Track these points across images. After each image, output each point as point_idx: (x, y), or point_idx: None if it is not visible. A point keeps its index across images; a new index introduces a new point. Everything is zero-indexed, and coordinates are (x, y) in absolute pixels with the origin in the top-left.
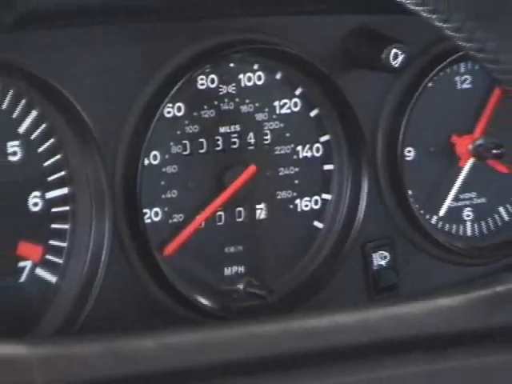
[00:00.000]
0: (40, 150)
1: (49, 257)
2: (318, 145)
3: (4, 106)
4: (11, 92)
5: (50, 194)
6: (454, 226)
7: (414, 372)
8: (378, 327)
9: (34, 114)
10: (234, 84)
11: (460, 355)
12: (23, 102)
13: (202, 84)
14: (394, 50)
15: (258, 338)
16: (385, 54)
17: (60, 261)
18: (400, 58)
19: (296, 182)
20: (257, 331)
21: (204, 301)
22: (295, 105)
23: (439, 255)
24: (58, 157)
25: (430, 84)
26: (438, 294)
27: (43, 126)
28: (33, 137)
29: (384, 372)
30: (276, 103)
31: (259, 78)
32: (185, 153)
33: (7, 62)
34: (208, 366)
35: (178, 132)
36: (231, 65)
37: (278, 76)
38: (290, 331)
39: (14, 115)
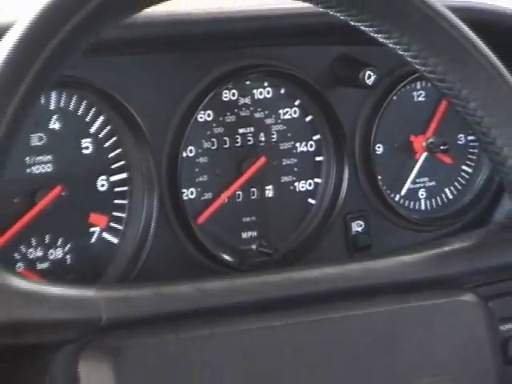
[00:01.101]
0: (105, 145)
1: (112, 224)
2: (311, 142)
3: (79, 112)
4: (85, 102)
5: (112, 178)
6: (412, 203)
7: (381, 310)
8: (355, 277)
9: (101, 118)
10: (249, 97)
11: (415, 298)
12: (93, 109)
13: (226, 96)
14: (368, 72)
15: (267, 284)
16: (361, 75)
17: (120, 227)
18: (372, 78)
19: (295, 169)
20: (266, 279)
21: (227, 257)
22: (295, 112)
23: (401, 224)
24: (119, 150)
25: (394, 97)
26: (400, 252)
27: (108, 127)
28: (100, 135)
29: (359, 311)
30: (280, 111)
31: (268, 92)
32: (213, 148)
33: (83, 80)
34: (230, 305)
35: (208, 132)
36: (247, 82)
37: (282, 91)
38: (290, 279)
39: (87, 119)
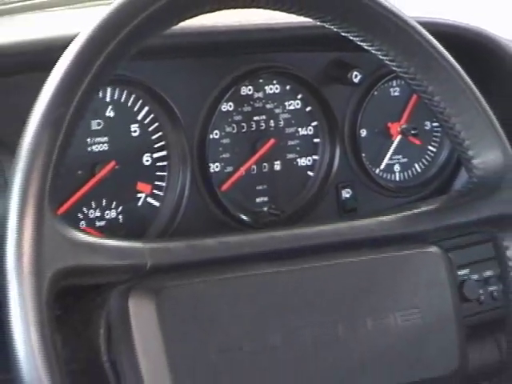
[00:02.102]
0: (149, 129)
1: (155, 191)
2: (310, 127)
3: (129, 104)
4: (133, 96)
5: (155, 155)
6: (389, 175)
7: (363, 259)
8: (343, 232)
9: (146, 108)
10: (262, 92)
11: (390, 250)
12: (140, 101)
13: (243, 92)
14: (355, 73)
15: (275, 238)
16: (350, 75)
17: (161, 193)
18: (358, 77)
19: (297, 148)
20: (274, 235)
21: (244, 217)
22: (297, 104)
23: (380, 192)
24: (160, 133)
25: (375, 92)
26: (379, 213)
27: (151, 115)
28: (145, 122)
29: (346, 259)
30: (286, 103)
31: (276, 88)
32: (233, 131)
33: (132, 79)
34: (246, 255)
35: (229, 119)
36: (260, 81)
37: (288, 87)
38: (293, 235)
39: (135, 109)
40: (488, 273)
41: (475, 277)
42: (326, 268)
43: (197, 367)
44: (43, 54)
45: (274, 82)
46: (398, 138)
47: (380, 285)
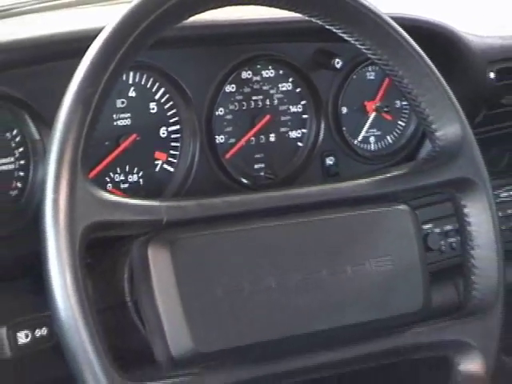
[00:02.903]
0: (165, 107)
1: (170, 159)
2: (299, 105)
3: (148, 86)
4: (151, 79)
5: (170, 128)
6: (366, 145)
7: (344, 215)
8: (327, 193)
9: (162, 89)
10: (259, 76)
11: (366, 207)
12: (157, 84)
13: (244, 76)
14: (337, 59)
15: (271, 197)
16: (332, 62)
17: (175, 161)
18: (340, 64)
19: (289, 123)
20: (270, 195)
21: (244, 180)
22: (289, 86)
23: (358, 159)
24: (174, 111)
25: (354, 76)
26: (356, 177)
27: (167, 95)
28: (162, 101)
29: (329, 215)
30: (279, 85)
31: (272, 72)
32: (235, 109)
33: (151, 64)
34: (246, 211)
35: (232, 99)
36: (258, 66)
37: (281, 72)
38: (285, 195)
39: (153, 90)
40: (448, 227)
41: (437, 230)
42: (313, 222)
43: (205, 305)
44: (75, 44)
45: (270, 67)
46: (373, 114)
47: (358, 237)
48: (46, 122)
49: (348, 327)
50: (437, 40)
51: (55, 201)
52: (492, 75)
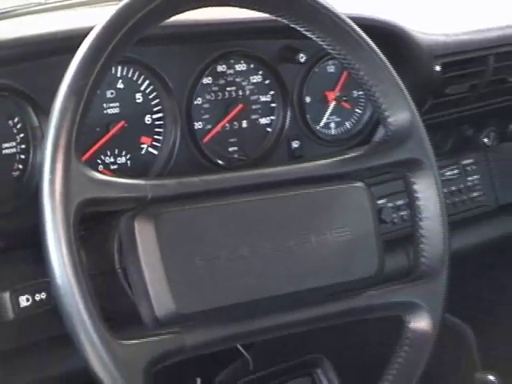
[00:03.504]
0: (149, 97)
1: (154, 143)
2: (268, 95)
3: (134, 78)
4: (137, 72)
5: (154, 116)
6: (327, 130)
7: (306, 192)
8: (292, 172)
9: (147, 82)
10: (232, 69)
11: (327, 185)
12: (142, 76)
13: (219, 69)
14: (301, 54)
15: (243, 176)
16: (297, 56)
17: (159, 144)
18: (304, 58)
19: (259, 111)
20: (242, 174)
21: (220, 161)
22: (259, 78)
23: (320, 143)
24: (157, 100)
25: (316, 69)
26: (318, 158)
27: (151, 87)
28: (147, 91)
29: (293, 192)
30: (251, 77)
31: (244, 66)
32: (212, 99)
33: (136, 59)
34: (221, 188)
35: (209, 89)
36: (231, 61)
37: (252, 66)
38: (257, 174)
39: (139, 82)
40: (400, 202)
41: (390, 205)
42: (280, 198)
43: (186, 271)
44: (69, 41)
45: (242, 61)
46: (333, 103)
47: (320, 211)
48: (44, 111)
49: (312, 290)
50: (389, 37)
51: (52, 180)
52: (438, 68)
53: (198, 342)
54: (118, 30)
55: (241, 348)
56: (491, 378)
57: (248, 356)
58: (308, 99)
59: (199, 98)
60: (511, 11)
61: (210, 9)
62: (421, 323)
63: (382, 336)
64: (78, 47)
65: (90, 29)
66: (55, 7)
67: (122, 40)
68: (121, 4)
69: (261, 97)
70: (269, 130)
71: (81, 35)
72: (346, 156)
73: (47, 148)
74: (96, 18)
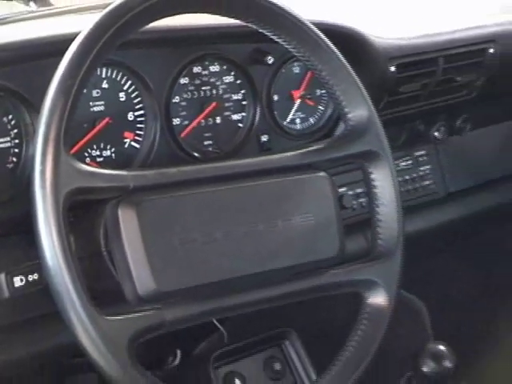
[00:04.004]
0: (132, 96)
1: (136, 137)
2: (240, 94)
3: (118, 79)
4: (120, 73)
5: (136, 113)
6: (293, 125)
7: (275, 181)
8: (261, 163)
9: (129, 82)
10: (207, 70)
11: (293, 175)
12: (125, 77)
13: (195, 70)
14: (269, 57)
15: (217, 167)
16: (266, 58)
17: (140, 139)
18: (271, 60)
19: (231, 108)
20: (216, 165)
21: (196, 154)
22: (231, 78)
23: (286, 137)
24: (139, 99)
25: (283, 70)
26: (284, 150)
27: (133, 86)
28: (129, 91)
29: (262, 181)
30: (224, 77)
31: (217, 68)
32: (188, 97)
33: (119, 61)
34: (197, 178)
35: (185, 89)
36: (206, 63)
37: (225, 67)
38: (229, 165)
39: (122, 82)
40: (359, 190)
41: (350, 192)
42: (250, 187)
43: (165, 253)
44: (58, 45)
45: (216, 63)
46: (299, 100)
47: (286, 198)
48: (35, 109)
49: (279, 270)
50: (349, 41)
51: (42, 171)
52: (392, 69)
53: (176, 317)
54: (101, 36)
55: (216, 323)
56: (441, 347)
57: (223, 330)
58: (276, 97)
59: (177, 97)
60: (459, 17)
61: (186, 15)
62: (378, 299)
63: (345, 311)
64: (66, 51)
65: (77, 34)
66: (45, 15)
67: (106, 44)
68: (104, 12)
69: (233, 95)
70: (240, 125)
71: (68, 40)
72: (310, 148)
73: (38, 142)
74: (82, 25)
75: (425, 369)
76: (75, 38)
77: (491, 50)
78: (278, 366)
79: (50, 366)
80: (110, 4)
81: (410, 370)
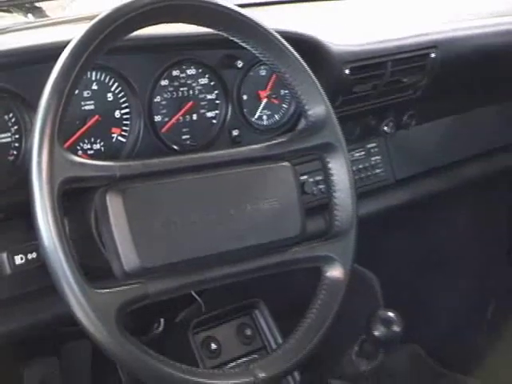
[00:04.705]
0: (118, 96)
1: (123, 133)
2: (213, 94)
3: (106, 81)
4: (108, 76)
5: (122, 111)
6: (260, 121)
7: (244, 170)
8: (234, 154)
9: (116, 84)
10: (184, 73)
11: (260, 164)
12: (112, 79)
13: (174, 73)
14: (239, 61)
15: (194, 158)
16: (236, 62)
17: (126, 134)
18: (241, 64)
19: (206, 106)
20: (193, 156)
21: (175, 147)
22: (206, 80)
23: (255, 131)
24: (125, 98)
25: (251, 73)
26: (252, 143)
27: (119, 88)
28: (116, 91)
29: (233, 170)
30: (199, 79)
31: (193, 71)
32: (168, 97)
33: (107, 65)
34: (177, 168)
35: (166, 90)
36: (184, 66)
37: (200, 70)
38: (205, 156)
39: (109, 84)
40: (318, 177)
41: (311, 180)
42: (223, 175)
43: (148, 234)
44: (52, 51)
45: (192, 67)
46: (265, 99)
47: (254, 185)
48: (33, 108)
49: (249, 248)
50: (308, 47)
51: (39, 163)
52: (347, 71)
53: (158, 290)
54: (90, 43)
55: (194, 294)
56: (390, 314)
57: (200, 301)
58: (245, 97)
59: (158, 97)
60: (405, 26)
61: (166, 25)
62: (335, 272)
63: (306, 283)
64: (59, 57)
65: (68, 42)
66: (41, 25)
67: (94, 51)
68: (92, 22)
69: (207, 95)
70: (214, 121)
71: (61, 47)
72: (275, 141)
73: (35, 137)
74: (73, 34)
75: (376, 333)
76: (67, 45)
77: (433, 55)
78: (248, 332)
79: (47, 334)
80: (97, 16)
81: (363, 334)
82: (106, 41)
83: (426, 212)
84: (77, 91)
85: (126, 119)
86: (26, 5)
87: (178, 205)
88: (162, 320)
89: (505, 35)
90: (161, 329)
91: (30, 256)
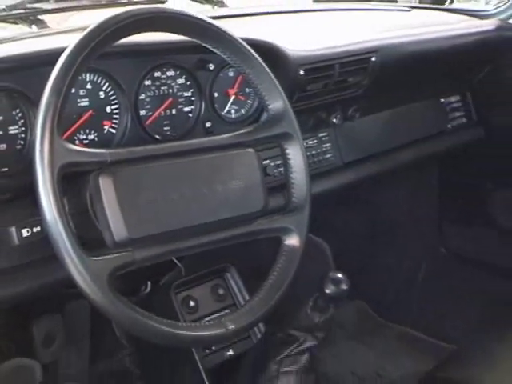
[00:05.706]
0: (109, 94)
1: (113, 125)
2: (190, 92)
3: (98, 82)
4: (100, 77)
5: (112, 107)
6: (229, 115)
7: (216, 155)
8: (207, 142)
9: (107, 84)
10: (165, 75)
11: (228, 151)
12: (104, 80)
13: (156, 74)
14: (211, 64)
15: (173, 146)
16: (208, 66)
17: (116, 126)
18: (212, 67)
19: (184, 103)
20: (173, 144)
21: (158, 136)
22: (183, 80)
23: (225, 123)
24: (114, 96)
25: (221, 74)
26: (223, 133)
27: (110, 87)
28: (107, 90)
29: (208, 155)
30: (177, 80)
31: (173, 73)
32: (152, 94)
33: (99, 68)
34: (160, 154)
35: (149, 88)
36: (164, 69)
37: (178, 72)
38: (183, 144)
39: (101, 84)
40: (278, 162)
41: (272, 164)
42: (197, 160)
43: (135, 210)
44: (51, 56)
45: (171, 69)
46: (233, 96)
47: (224, 168)
48: (36, 105)
49: (220, 221)
50: (269, 52)
51: (41, 151)
52: (301, 72)
53: (144, 256)
54: (83, 49)
55: (176, 260)
56: (339, 275)
57: (181, 265)
58: (216, 94)
59: (143, 94)
60: (350, 34)
61: (149, 33)
62: (292, 241)
63: (269, 251)
64: (58, 61)
65: (65, 49)
66: (43, 34)
67: (87, 55)
68: (84, 32)
69: (184, 93)
70: (190, 115)
71: (59, 53)
72: (241, 131)
73: (38, 129)
74: (69, 41)
75: (327, 291)
76: (64, 51)
77: (373, 59)
78: (221, 291)
79: (51, 295)
80: (89, 26)
81: (316, 292)
82: (97, 47)
83: (370, 190)
84: (73, 90)
85: (116, 114)
86: (30, 17)
87: (160, 185)
88: (148, 283)
89: (434, 42)
90: (147, 290)
91: (35, 229)
